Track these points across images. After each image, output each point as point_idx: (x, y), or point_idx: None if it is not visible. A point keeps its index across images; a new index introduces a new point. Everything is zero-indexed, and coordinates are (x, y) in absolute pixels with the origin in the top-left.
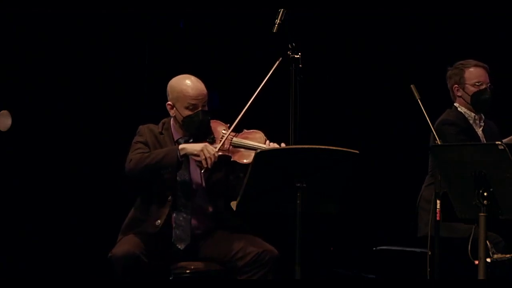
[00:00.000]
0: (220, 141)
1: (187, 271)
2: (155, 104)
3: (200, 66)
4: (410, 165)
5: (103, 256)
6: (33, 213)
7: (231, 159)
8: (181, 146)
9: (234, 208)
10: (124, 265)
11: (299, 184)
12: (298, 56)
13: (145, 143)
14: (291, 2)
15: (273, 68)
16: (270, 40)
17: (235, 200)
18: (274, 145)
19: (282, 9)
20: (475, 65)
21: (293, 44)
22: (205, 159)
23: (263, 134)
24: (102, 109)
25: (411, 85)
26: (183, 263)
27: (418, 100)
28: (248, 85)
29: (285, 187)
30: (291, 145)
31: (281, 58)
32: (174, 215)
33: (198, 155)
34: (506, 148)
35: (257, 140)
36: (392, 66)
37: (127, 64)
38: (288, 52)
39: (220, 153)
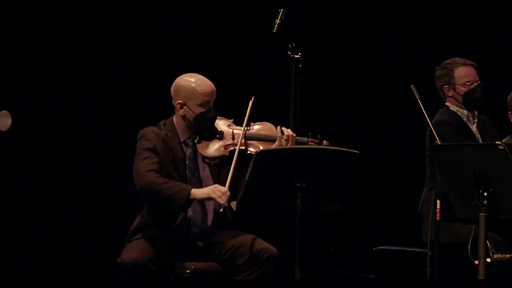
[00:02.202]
0: (233, 137)
1: (187, 271)
2: (155, 104)
3: (200, 66)
4: (410, 165)
5: (102, 256)
6: (33, 213)
7: (247, 152)
8: (192, 191)
9: (234, 208)
10: (131, 273)
11: (299, 184)
12: (298, 56)
13: (153, 150)
14: (291, 2)
15: (248, 109)
16: (270, 40)
17: (235, 200)
18: (288, 131)
19: (282, 9)
20: (464, 64)
21: (293, 44)
22: (219, 198)
23: (272, 125)
24: (102, 109)
25: (411, 85)
26: (183, 263)
27: (418, 100)
28: (248, 85)
29: (285, 187)
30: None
31: (254, 97)
32: (191, 214)
33: (210, 198)
34: (506, 148)
35: (268, 131)
36: (392, 66)
37: (127, 64)
38: (288, 52)
39: (235, 148)
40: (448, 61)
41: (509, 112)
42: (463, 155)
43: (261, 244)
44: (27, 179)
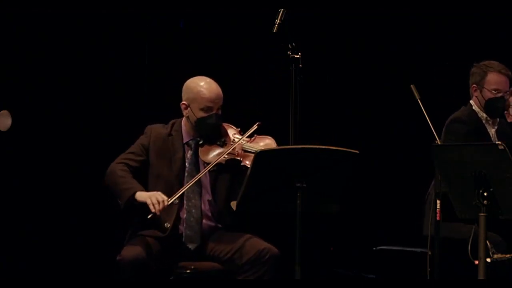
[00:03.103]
0: (231, 145)
1: (187, 271)
2: (155, 104)
3: (200, 66)
4: (410, 165)
5: (102, 255)
6: (33, 213)
7: (241, 164)
8: (138, 193)
9: (234, 208)
10: (132, 270)
11: (299, 184)
12: (298, 56)
13: (145, 147)
14: (291, 2)
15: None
16: (270, 40)
17: (235, 200)
18: None
19: (282, 9)
20: (499, 71)
21: (293, 44)
22: (153, 205)
23: (274, 140)
24: (102, 109)
25: (411, 85)
26: (183, 263)
27: (418, 100)
28: (248, 85)
29: (285, 187)
30: (291, 145)
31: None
32: (185, 216)
33: (146, 203)
34: (506, 148)
35: (266, 146)
36: (392, 66)
37: (127, 64)
38: (288, 52)
39: (231, 157)
40: (486, 62)
41: (505, 112)
42: (463, 155)
43: (262, 244)
44: (27, 179)
